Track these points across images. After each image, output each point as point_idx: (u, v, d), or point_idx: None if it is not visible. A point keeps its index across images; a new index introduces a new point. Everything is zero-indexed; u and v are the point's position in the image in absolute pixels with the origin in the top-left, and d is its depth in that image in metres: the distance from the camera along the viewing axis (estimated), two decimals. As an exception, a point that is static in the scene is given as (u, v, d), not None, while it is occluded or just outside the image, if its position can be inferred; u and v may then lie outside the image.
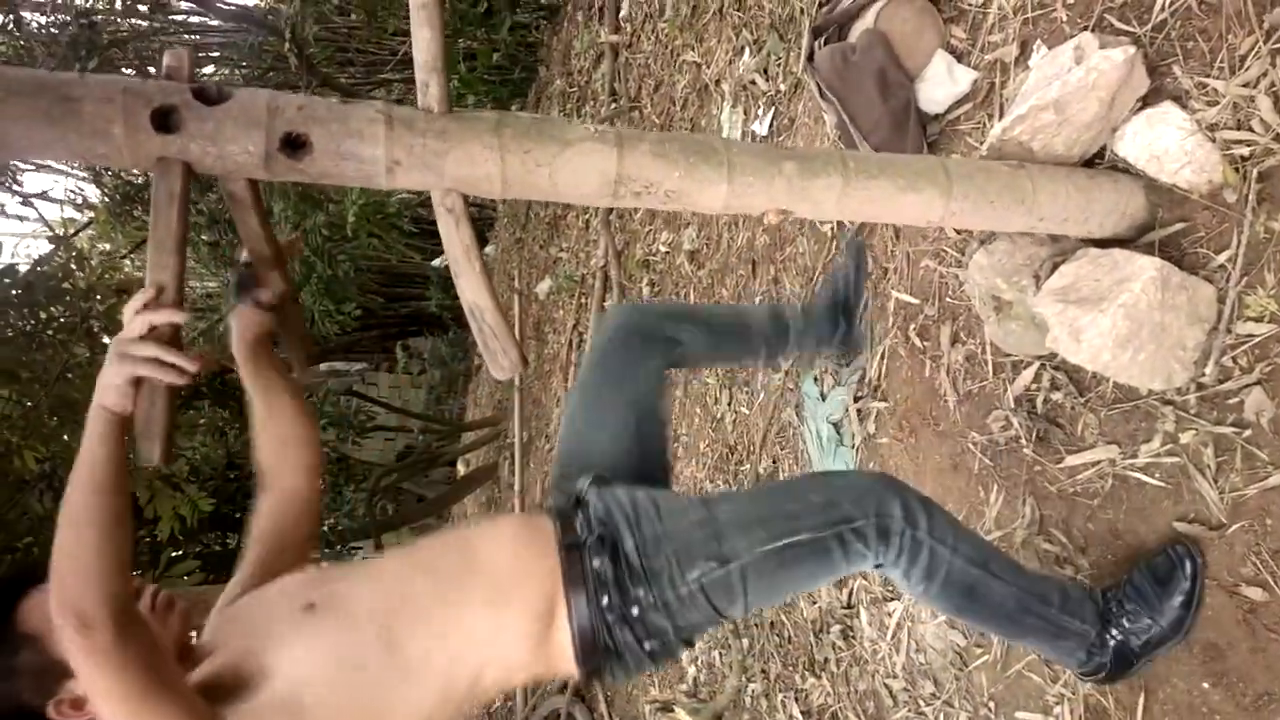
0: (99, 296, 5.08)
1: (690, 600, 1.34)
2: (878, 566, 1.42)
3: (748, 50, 3.61)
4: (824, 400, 2.81)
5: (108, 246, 9.68)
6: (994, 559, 1.50)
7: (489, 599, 1.32)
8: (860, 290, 2.26)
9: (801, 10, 3.10)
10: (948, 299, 2.28)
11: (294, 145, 1.23)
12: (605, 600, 1.32)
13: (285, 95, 1.25)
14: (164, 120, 1.17)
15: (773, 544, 1.35)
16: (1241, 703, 1.51)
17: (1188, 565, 1.56)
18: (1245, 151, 1.52)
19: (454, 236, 1.36)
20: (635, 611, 1.32)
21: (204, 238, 8.93)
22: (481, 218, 10.64)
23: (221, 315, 8.57)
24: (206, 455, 6.59)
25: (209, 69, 9.39)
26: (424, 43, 1.31)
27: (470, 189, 1.34)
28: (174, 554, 5.35)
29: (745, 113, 3.60)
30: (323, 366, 11.65)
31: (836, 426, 2.74)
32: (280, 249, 1.44)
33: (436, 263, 10.26)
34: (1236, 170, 1.54)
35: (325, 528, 6.93)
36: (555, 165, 1.36)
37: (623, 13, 5.48)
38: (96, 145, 1.17)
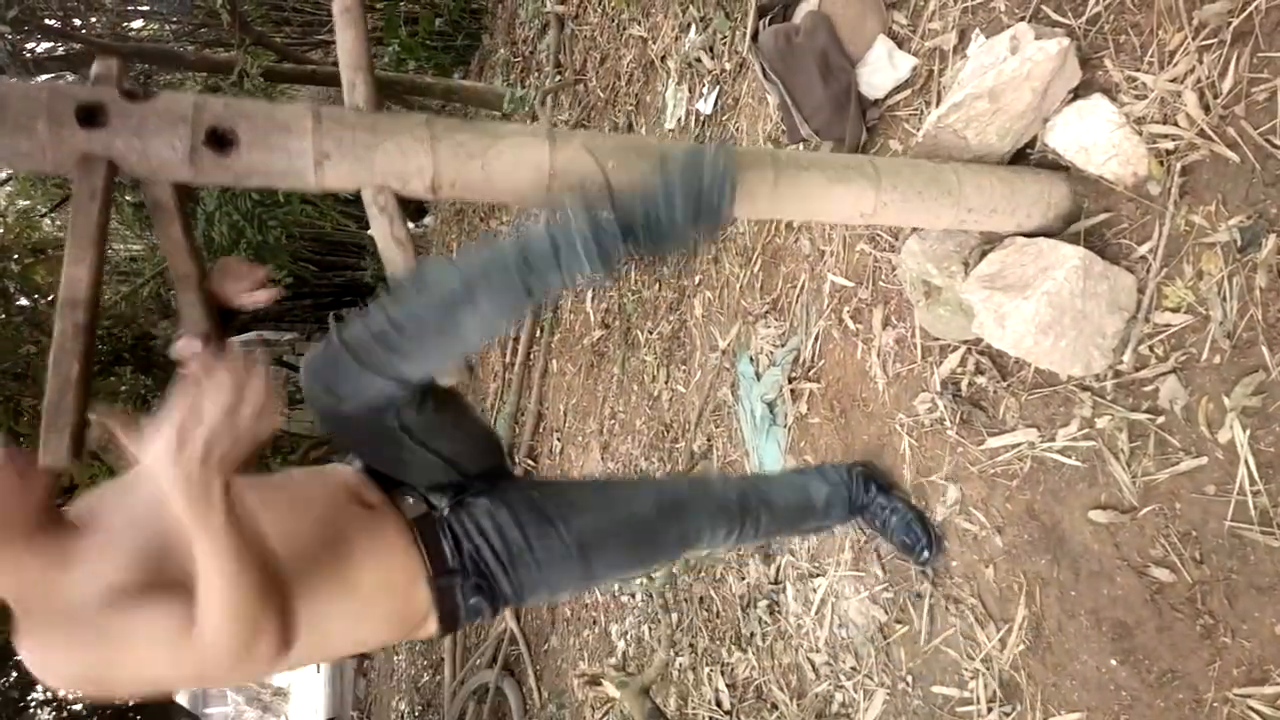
0: (15, 256, 4.86)
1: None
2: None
3: (694, 27, 3.59)
4: (759, 380, 2.83)
5: (26, 203, 9.26)
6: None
7: (355, 612, 1.32)
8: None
9: (748, -11, 3.09)
10: (881, 283, 2.31)
11: (220, 141, 1.19)
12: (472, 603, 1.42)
13: (211, 97, 1.23)
14: (89, 116, 1.14)
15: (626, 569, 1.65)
16: (1147, 679, 1.57)
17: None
18: (1170, 145, 1.56)
19: (388, 237, 1.33)
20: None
21: (128, 199, 8.59)
22: (421, 188, 10.41)
23: (143, 280, 8.28)
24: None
25: (137, 23, 8.99)
26: (349, 44, 1.30)
27: (402, 184, 1.31)
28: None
29: (690, 90, 3.59)
30: (251, 334, 11.33)
31: (770, 406, 2.76)
32: (202, 264, 1.35)
33: (372, 231, 10.01)
34: (1161, 164, 1.59)
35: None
36: (488, 157, 1.33)
37: (569, -17, 5.40)
38: (19, 143, 1.12)
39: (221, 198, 6.32)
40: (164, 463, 0.96)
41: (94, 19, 7.77)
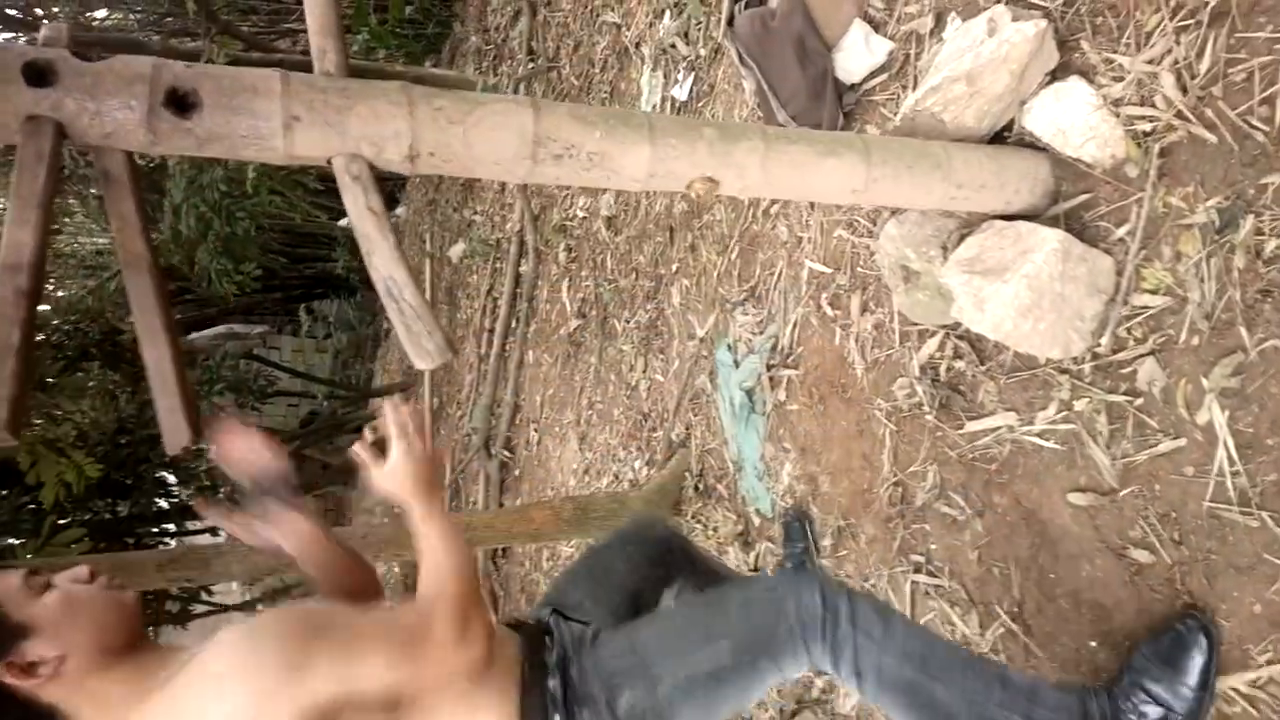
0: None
1: None
2: (815, 672, 1.41)
3: (668, 13, 3.56)
4: (737, 368, 2.82)
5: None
6: (934, 657, 1.37)
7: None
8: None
9: (722, -26, 3.06)
10: (859, 268, 2.30)
11: (181, 104, 1.14)
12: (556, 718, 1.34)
13: (173, 60, 1.17)
14: (38, 75, 1.08)
15: (699, 666, 1.36)
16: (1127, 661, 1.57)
17: (1202, 640, 1.40)
18: (1147, 127, 1.56)
19: (362, 208, 1.25)
20: None
21: (94, 192, 8.41)
22: (392, 177, 10.31)
23: (110, 274, 8.12)
24: (95, 419, 6.25)
25: (100, 13, 8.81)
26: (319, 9, 1.25)
27: (376, 151, 1.25)
28: (59, 522, 5.06)
29: (665, 77, 3.56)
30: (221, 328, 11.17)
31: (749, 394, 2.75)
32: (153, 245, 1.30)
33: (344, 223, 9.92)
34: (1139, 146, 1.58)
35: (222, 495, 6.67)
36: (469, 123, 1.29)
37: (541, -30, 5.35)
38: None
39: (189, 189, 6.20)
40: (405, 478, 1.28)
41: (56, 8, 7.60)
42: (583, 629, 1.50)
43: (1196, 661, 1.39)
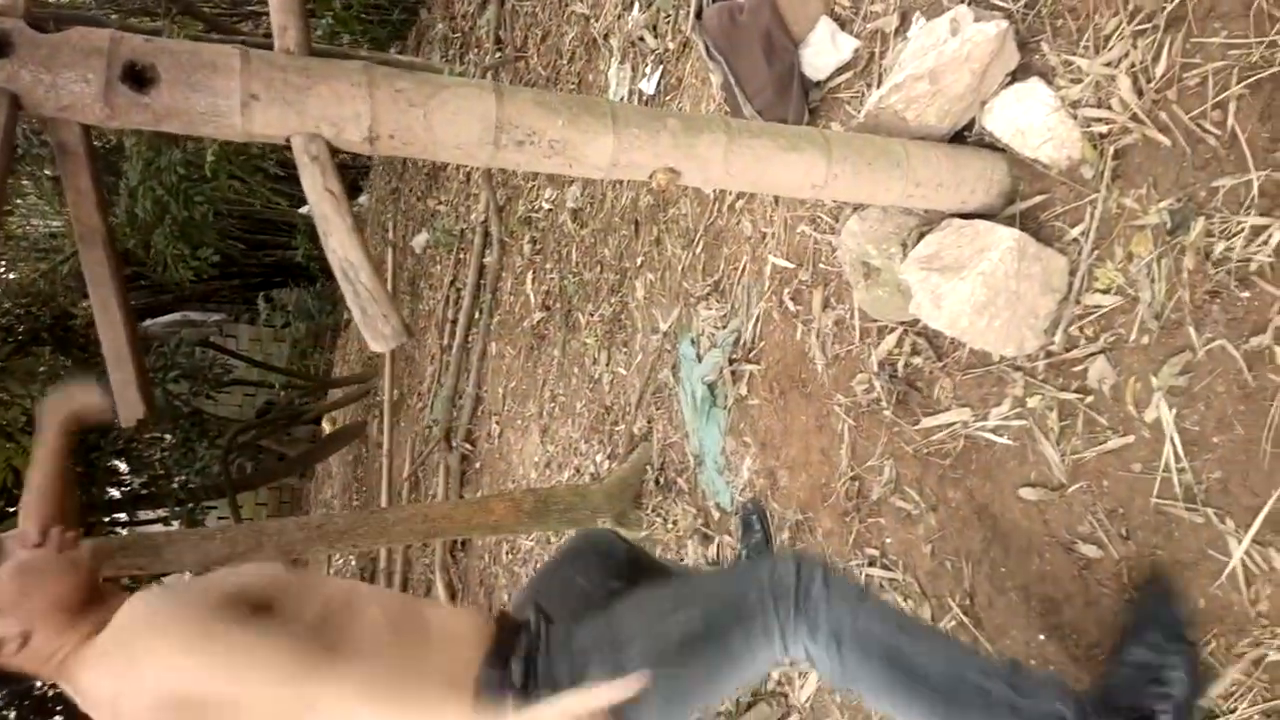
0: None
1: None
2: (788, 649, 1.32)
3: (637, 5, 3.55)
4: (700, 362, 2.83)
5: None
6: (913, 624, 1.36)
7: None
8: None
9: (691, -33, 3.06)
10: (821, 265, 2.32)
11: (138, 79, 1.12)
12: (511, 703, 1.31)
13: (130, 34, 1.14)
14: None
15: (668, 639, 1.32)
16: (1074, 653, 1.60)
17: (1166, 594, 1.43)
18: (1104, 129, 1.59)
19: (320, 188, 1.24)
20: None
21: (47, 172, 8.19)
22: (355, 165, 10.19)
23: (63, 257, 7.93)
24: (45, 405, 6.10)
25: (56, -12, 8.58)
26: None
27: (336, 132, 1.24)
28: (7, 509, 4.94)
29: (633, 69, 3.55)
30: (176, 315, 10.96)
31: (711, 388, 2.76)
32: (108, 219, 1.30)
33: (304, 210, 9.78)
34: (1094, 147, 1.61)
35: (175, 485, 6.55)
36: (430, 107, 1.27)
37: (510, -41, 5.31)
38: None
39: (145, 172, 6.08)
40: None
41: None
42: (566, 628, 1.46)
43: (1169, 612, 1.38)
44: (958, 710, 1.27)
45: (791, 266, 2.43)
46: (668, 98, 3.24)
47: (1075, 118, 1.63)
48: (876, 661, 1.28)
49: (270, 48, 1.27)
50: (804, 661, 1.35)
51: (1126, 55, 1.55)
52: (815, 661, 1.33)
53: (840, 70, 2.28)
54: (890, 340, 2.04)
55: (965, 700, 1.26)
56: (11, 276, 8.53)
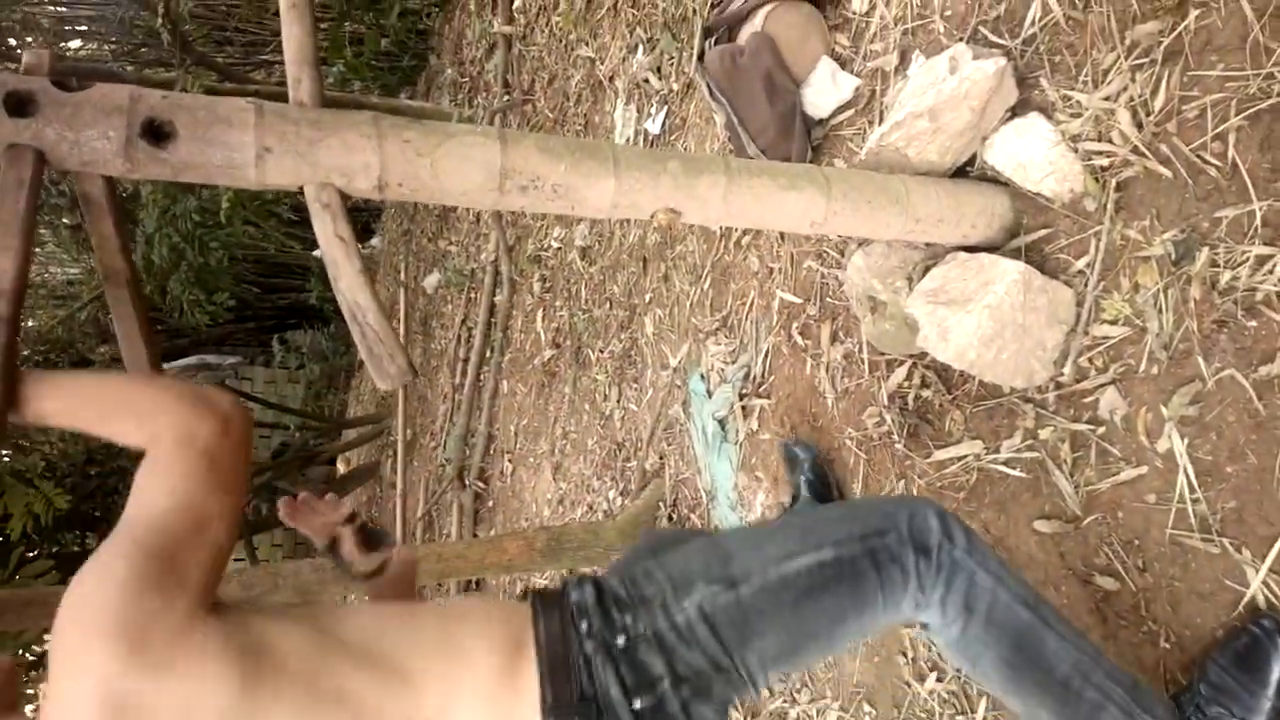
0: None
1: (689, 632, 1.10)
2: (917, 607, 1.20)
3: (641, 48, 3.61)
4: (710, 397, 2.83)
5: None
6: (1046, 606, 1.24)
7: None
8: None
9: (694, 10, 3.11)
10: (828, 299, 2.33)
11: (157, 134, 1.16)
12: (585, 626, 1.08)
13: (148, 89, 1.18)
14: (18, 105, 1.10)
15: (791, 562, 1.14)
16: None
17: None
18: (1105, 162, 1.60)
19: (330, 234, 1.29)
20: (621, 642, 1.08)
21: (65, 221, 8.33)
22: (368, 208, 10.32)
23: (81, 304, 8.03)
24: (65, 450, 6.15)
25: (75, 43, 8.80)
26: (295, 38, 1.28)
27: (347, 181, 1.28)
28: (27, 554, 4.97)
29: (639, 110, 3.60)
30: (193, 359, 11.05)
31: (722, 423, 2.76)
32: (132, 261, 1.33)
33: (317, 253, 9.87)
34: (1096, 180, 1.62)
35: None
36: (437, 156, 1.31)
37: (516, 3, 5.41)
38: None
39: (161, 219, 6.17)
40: None
41: (30, 39, 7.58)
42: (644, 565, 1.21)
43: (1276, 668, 1.27)
44: (1073, 707, 1.20)
45: (799, 301, 2.44)
46: (673, 137, 3.28)
47: (1076, 151, 1.65)
48: (1006, 643, 1.20)
49: (283, 96, 1.32)
50: (920, 625, 1.25)
51: (1125, 89, 1.56)
52: (933, 628, 1.23)
53: (842, 108, 2.31)
54: (900, 373, 2.05)
55: (1087, 699, 1.20)
56: (30, 324, 8.65)
